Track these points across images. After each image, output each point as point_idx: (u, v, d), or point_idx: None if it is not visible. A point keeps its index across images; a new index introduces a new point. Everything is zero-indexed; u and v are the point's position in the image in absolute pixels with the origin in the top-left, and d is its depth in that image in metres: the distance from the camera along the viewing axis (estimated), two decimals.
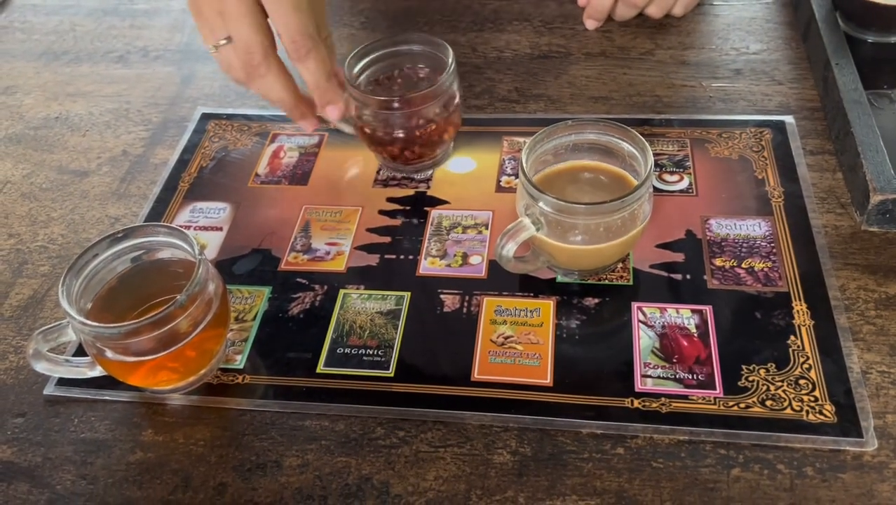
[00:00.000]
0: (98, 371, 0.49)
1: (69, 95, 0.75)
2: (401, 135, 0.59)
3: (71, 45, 0.82)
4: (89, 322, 0.44)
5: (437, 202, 0.60)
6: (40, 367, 0.48)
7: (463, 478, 0.44)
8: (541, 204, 0.48)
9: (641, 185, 0.47)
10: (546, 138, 0.52)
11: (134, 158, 0.67)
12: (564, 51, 0.73)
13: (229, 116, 0.70)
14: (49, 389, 0.51)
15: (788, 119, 0.63)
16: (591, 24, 0.74)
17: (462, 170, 0.63)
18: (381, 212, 0.60)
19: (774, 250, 0.53)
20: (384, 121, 0.58)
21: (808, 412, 0.45)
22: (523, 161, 0.50)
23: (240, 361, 0.51)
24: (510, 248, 0.49)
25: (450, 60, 0.59)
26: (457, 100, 0.60)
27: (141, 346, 0.45)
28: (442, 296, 0.53)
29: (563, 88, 0.69)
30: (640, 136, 0.50)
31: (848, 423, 0.44)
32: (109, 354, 0.46)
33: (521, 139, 0.64)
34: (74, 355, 0.52)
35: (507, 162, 0.63)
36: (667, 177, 0.59)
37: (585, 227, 0.48)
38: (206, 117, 0.70)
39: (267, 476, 0.45)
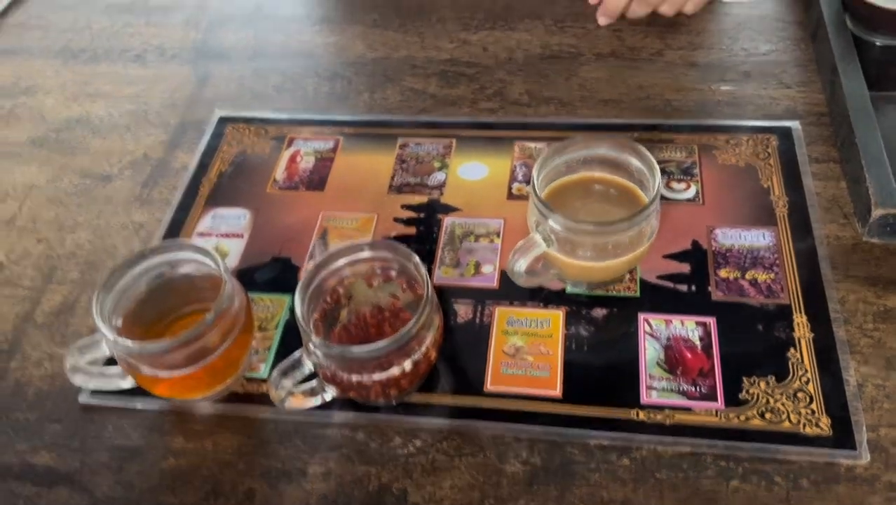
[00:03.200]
0: (130, 382, 0.51)
1: (89, 96, 0.77)
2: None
3: (88, 42, 0.84)
4: (121, 340, 0.47)
5: (449, 209, 0.62)
6: (77, 379, 0.51)
7: (477, 487, 0.47)
8: (551, 222, 0.50)
9: (649, 206, 0.49)
10: (556, 155, 0.54)
11: (155, 162, 0.69)
12: (575, 51, 0.74)
13: (246, 120, 0.71)
14: (84, 398, 0.54)
15: (794, 125, 0.64)
16: (603, 21, 0.75)
17: (474, 176, 0.64)
18: (396, 219, 0.62)
19: (777, 261, 0.55)
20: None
21: (804, 425, 0.47)
22: (535, 179, 0.52)
23: (263, 370, 0.54)
24: (522, 265, 0.51)
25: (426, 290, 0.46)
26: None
27: (172, 361, 0.48)
28: (455, 305, 0.55)
29: (573, 91, 0.70)
30: (650, 155, 0.51)
31: (843, 436, 0.46)
32: (142, 368, 0.48)
33: (532, 144, 0.66)
34: (106, 364, 0.54)
35: (518, 168, 0.64)
36: (674, 185, 0.61)
37: (594, 245, 0.50)
38: (223, 121, 0.72)
39: (293, 483, 0.48)
